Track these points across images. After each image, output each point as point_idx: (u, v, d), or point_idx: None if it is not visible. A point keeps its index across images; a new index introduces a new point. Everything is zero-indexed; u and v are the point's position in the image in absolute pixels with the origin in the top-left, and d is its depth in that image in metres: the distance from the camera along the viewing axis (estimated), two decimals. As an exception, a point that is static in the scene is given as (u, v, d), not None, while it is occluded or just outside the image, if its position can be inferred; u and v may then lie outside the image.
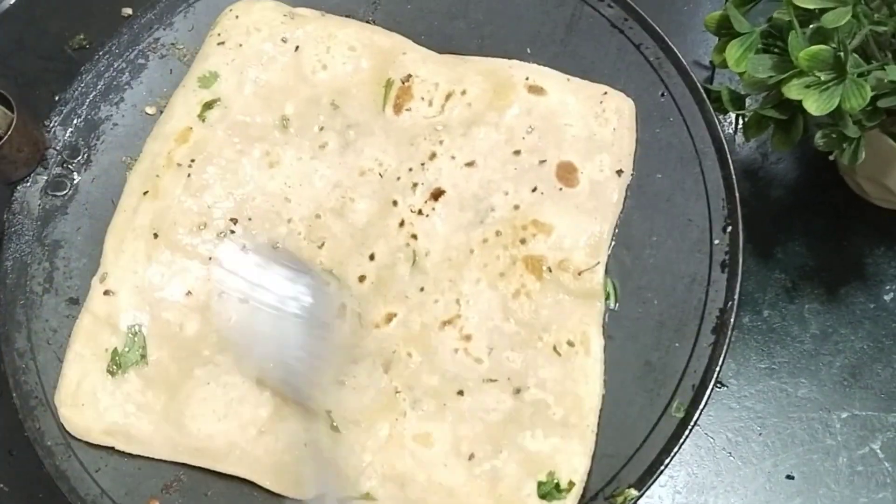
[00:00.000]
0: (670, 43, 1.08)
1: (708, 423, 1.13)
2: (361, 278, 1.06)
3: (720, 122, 1.06)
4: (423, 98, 1.11)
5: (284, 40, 1.15)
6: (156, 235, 1.08)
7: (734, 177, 1.03)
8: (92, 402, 1.03)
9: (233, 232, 1.08)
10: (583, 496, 0.94)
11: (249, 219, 1.09)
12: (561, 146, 1.07)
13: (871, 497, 1.10)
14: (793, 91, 0.98)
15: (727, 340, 0.97)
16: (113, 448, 1.02)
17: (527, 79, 1.09)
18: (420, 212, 1.07)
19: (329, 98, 1.13)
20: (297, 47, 1.15)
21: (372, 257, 1.06)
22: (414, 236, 1.06)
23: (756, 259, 1.20)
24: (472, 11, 1.16)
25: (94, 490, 1.00)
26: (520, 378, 0.99)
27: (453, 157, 1.08)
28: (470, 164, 1.07)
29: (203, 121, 1.12)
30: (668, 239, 1.03)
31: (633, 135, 1.06)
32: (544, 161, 1.06)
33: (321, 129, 1.12)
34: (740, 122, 1.14)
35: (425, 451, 0.98)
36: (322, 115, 1.13)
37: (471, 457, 0.97)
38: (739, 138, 1.24)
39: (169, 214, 1.09)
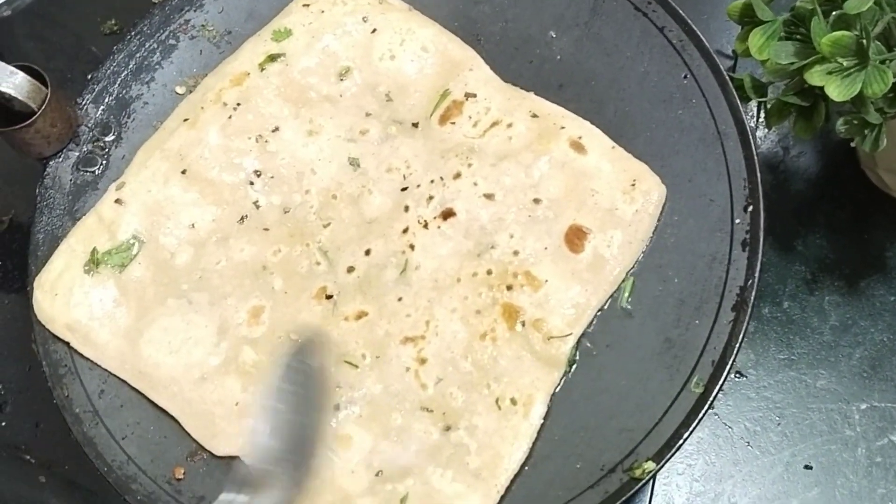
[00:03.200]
0: (693, 26, 1.08)
1: (726, 412, 1.14)
2: (350, 269, 1.06)
3: (743, 107, 1.07)
4: (470, 117, 1.11)
5: (365, 19, 1.16)
6: (181, 163, 1.11)
7: (756, 157, 1.03)
8: (66, 295, 1.06)
9: (252, 184, 1.11)
10: (601, 468, 0.95)
11: (272, 176, 1.11)
12: (580, 209, 1.05)
13: (888, 488, 1.11)
14: (815, 77, 0.99)
15: (747, 318, 0.97)
16: (139, 419, 1.04)
17: (574, 135, 1.08)
18: (426, 225, 1.07)
19: (386, 88, 1.14)
20: (374, 30, 1.15)
21: (368, 252, 1.07)
22: (412, 246, 1.06)
23: (776, 251, 1.20)
24: (497, -6, 1.17)
25: (120, 456, 1.01)
26: (454, 417, 0.99)
27: (475, 184, 1.08)
28: (489, 195, 1.07)
29: (262, 70, 1.14)
30: (689, 218, 1.03)
31: (653, 222, 1.05)
32: (559, 218, 1.05)
33: (368, 114, 1.14)
34: (762, 114, 1.15)
35: (340, 452, 0.99)
36: (375, 102, 1.14)
37: (378, 473, 0.98)
38: (761, 131, 1.25)
39: (198, 147, 1.11)
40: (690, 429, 0.94)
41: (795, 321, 1.18)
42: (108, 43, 1.23)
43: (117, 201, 1.10)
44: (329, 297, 1.06)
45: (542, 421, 0.99)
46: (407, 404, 1.00)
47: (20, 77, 1.07)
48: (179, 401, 1.03)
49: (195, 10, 1.20)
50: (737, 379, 1.15)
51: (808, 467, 1.12)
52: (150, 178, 1.11)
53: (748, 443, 1.13)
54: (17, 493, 1.16)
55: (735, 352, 0.96)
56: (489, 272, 1.04)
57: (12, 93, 1.07)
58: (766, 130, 1.25)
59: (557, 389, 1.00)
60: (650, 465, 0.93)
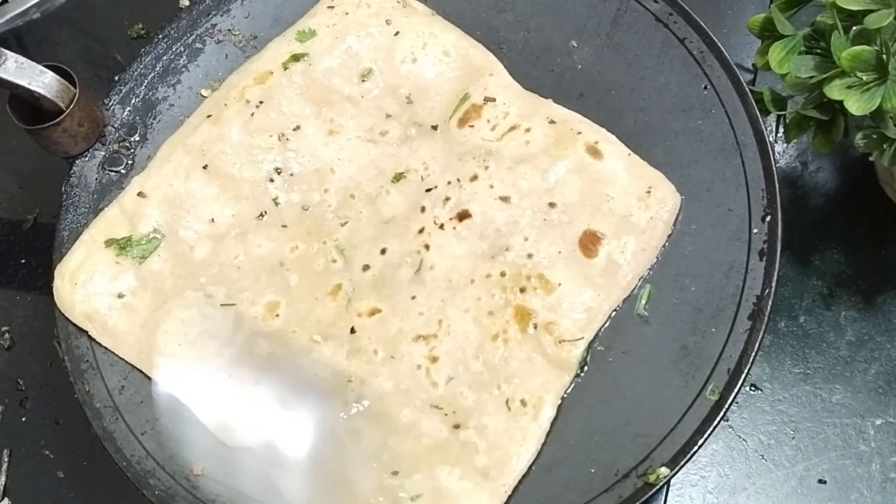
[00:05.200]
0: (714, 37, 1.10)
1: (741, 425, 1.13)
2: (366, 267, 1.08)
3: (762, 121, 1.08)
4: (488, 121, 1.12)
5: (388, 22, 1.18)
6: (203, 158, 1.13)
7: (774, 168, 1.04)
8: (86, 284, 1.08)
9: (272, 181, 1.13)
10: (616, 473, 0.95)
11: (292, 174, 1.13)
12: (595, 214, 1.06)
13: (903, 504, 1.10)
14: (834, 91, 0.99)
15: (763, 327, 0.97)
16: (157, 416, 1.05)
17: (591, 140, 1.10)
18: (442, 226, 1.08)
19: (407, 91, 1.16)
20: (397, 32, 1.17)
21: (383, 251, 1.08)
22: (427, 246, 1.07)
23: (793, 265, 1.20)
24: (520, 5, 1.18)
25: (139, 451, 1.01)
26: (464, 416, 1.00)
27: (492, 186, 1.09)
28: (505, 198, 1.08)
29: (285, 69, 1.16)
30: (707, 227, 1.04)
31: (667, 230, 1.06)
32: (573, 222, 1.06)
33: (388, 116, 1.15)
34: (780, 129, 1.15)
35: (350, 446, 1.00)
36: (395, 104, 1.16)
37: (386, 468, 0.99)
38: (780, 146, 1.26)
39: (220, 143, 1.13)
40: (705, 436, 0.94)
41: (811, 336, 1.17)
42: (136, 47, 1.25)
43: (140, 194, 1.12)
44: (343, 293, 1.07)
45: (550, 423, 0.99)
46: (417, 401, 1.01)
47: (49, 76, 1.09)
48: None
49: (222, 15, 1.22)
50: (752, 392, 1.14)
51: (822, 482, 1.11)
52: (172, 172, 1.13)
53: (762, 456, 1.12)
54: (36, 488, 1.17)
55: (751, 360, 0.97)
56: (503, 274, 1.05)
57: (41, 92, 1.09)
58: (786, 145, 1.25)
59: (568, 393, 1.01)
60: (664, 471, 0.94)
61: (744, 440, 1.13)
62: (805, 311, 1.19)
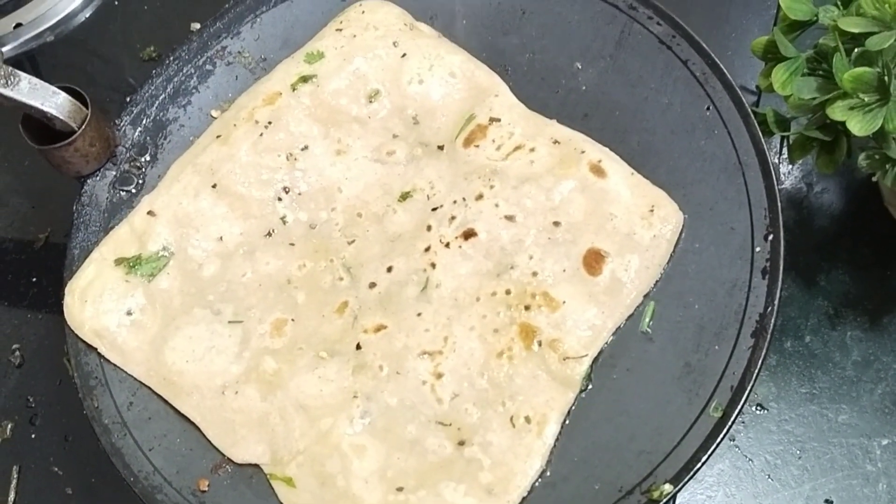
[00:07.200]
0: (717, 59, 1.10)
1: (747, 444, 1.13)
2: (372, 285, 1.09)
3: (767, 142, 1.08)
4: (493, 141, 1.14)
5: (395, 44, 1.19)
6: (212, 177, 1.14)
7: (777, 187, 1.04)
8: (96, 302, 1.09)
9: (280, 199, 1.14)
10: (619, 489, 0.96)
11: (299, 193, 1.15)
12: (599, 233, 1.07)
13: (909, 524, 1.10)
14: (837, 112, 1.00)
15: (766, 344, 0.98)
16: (165, 432, 1.06)
17: (594, 159, 1.10)
18: (448, 245, 1.09)
19: (414, 111, 1.18)
20: (404, 54, 1.19)
21: (389, 269, 1.09)
22: (433, 265, 1.08)
23: (799, 286, 1.20)
24: (525, 27, 1.20)
25: (146, 467, 1.02)
26: (469, 432, 1.00)
27: (497, 205, 1.10)
28: (510, 217, 1.09)
29: (294, 90, 1.18)
30: (710, 245, 1.05)
31: (670, 248, 1.06)
32: (578, 241, 1.07)
33: (395, 136, 1.17)
34: (784, 152, 1.16)
35: (355, 462, 1.00)
36: (402, 124, 1.17)
37: (391, 483, 0.99)
38: (785, 167, 1.26)
39: (229, 163, 1.15)
40: (709, 452, 0.95)
41: (817, 356, 1.17)
42: (148, 69, 1.27)
43: (149, 213, 1.14)
44: (350, 310, 1.08)
45: (554, 440, 1.00)
46: (422, 417, 1.02)
47: (62, 97, 1.11)
48: (201, 409, 1.05)
49: (232, 38, 1.24)
50: (758, 412, 1.15)
51: (828, 502, 1.11)
52: (182, 191, 1.14)
53: (769, 476, 1.12)
54: (45, 504, 1.18)
55: (754, 378, 0.97)
56: (508, 292, 1.06)
57: (54, 112, 1.10)
58: (791, 167, 1.25)
59: (572, 410, 1.01)
60: (668, 488, 0.94)
61: (750, 460, 1.13)
62: (811, 331, 1.19)
